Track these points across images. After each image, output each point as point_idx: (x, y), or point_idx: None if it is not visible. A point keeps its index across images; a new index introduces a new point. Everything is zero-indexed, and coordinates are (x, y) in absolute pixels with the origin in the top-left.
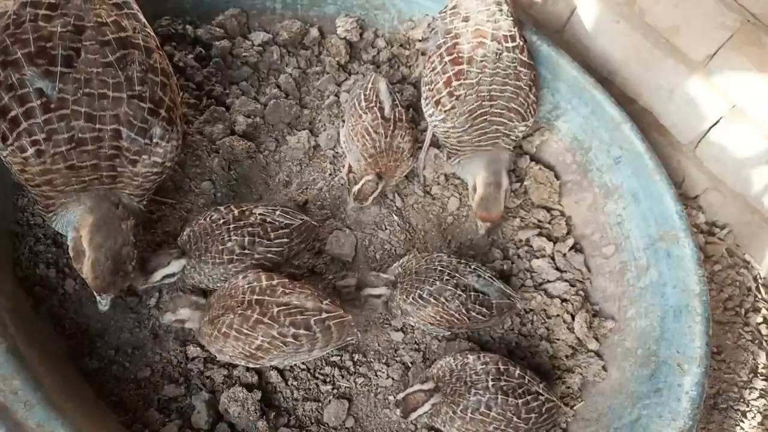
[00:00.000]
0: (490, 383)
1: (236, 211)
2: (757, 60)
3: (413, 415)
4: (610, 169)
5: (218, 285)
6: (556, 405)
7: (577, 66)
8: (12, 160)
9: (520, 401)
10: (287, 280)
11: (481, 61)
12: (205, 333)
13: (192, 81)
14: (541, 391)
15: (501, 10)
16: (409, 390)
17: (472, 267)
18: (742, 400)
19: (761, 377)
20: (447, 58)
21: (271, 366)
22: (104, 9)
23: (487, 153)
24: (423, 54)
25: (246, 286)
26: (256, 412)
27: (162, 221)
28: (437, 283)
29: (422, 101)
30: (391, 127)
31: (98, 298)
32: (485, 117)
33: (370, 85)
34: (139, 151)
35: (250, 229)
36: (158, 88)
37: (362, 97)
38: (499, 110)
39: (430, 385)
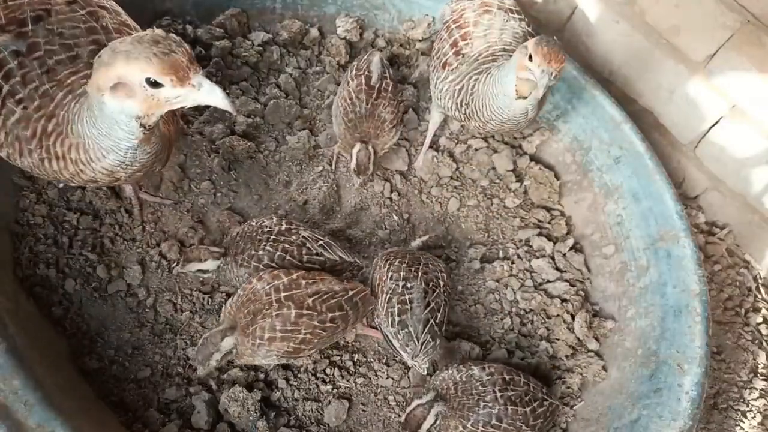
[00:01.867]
0: (498, 394)
1: (284, 226)
2: (757, 60)
3: (422, 429)
4: (610, 169)
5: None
6: (557, 406)
7: (578, 66)
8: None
9: (527, 409)
10: (302, 272)
11: (488, 22)
12: (244, 344)
13: None
14: (545, 396)
15: None
16: (408, 409)
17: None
18: (742, 400)
19: (761, 377)
20: (454, 26)
21: (271, 366)
22: None
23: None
24: (423, 54)
25: (267, 287)
26: (256, 412)
27: (162, 221)
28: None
29: (431, 75)
30: (374, 95)
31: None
32: (496, 54)
33: (365, 57)
34: None
35: (286, 245)
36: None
37: (355, 66)
38: (506, 46)
39: (428, 397)
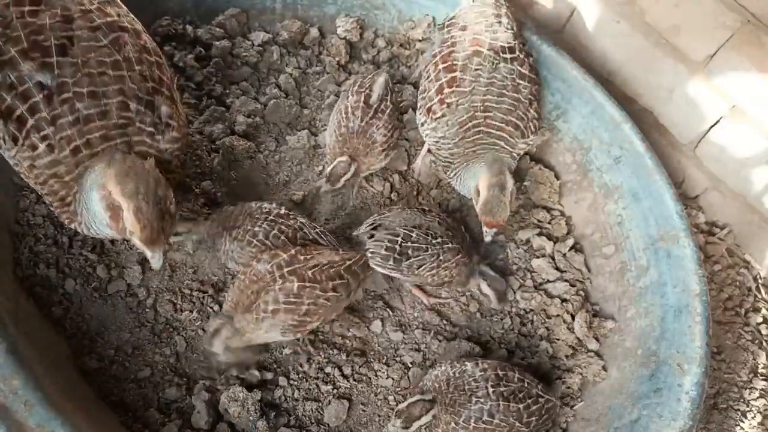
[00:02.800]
0: (491, 390)
1: (283, 211)
2: (757, 60)
3: (414, 426)
4: (610, 169)
5: (229, 266)
6: (555, 404)
7: (577, 66)
8: (21, 156)
9: (521, 405)
10: (299, 247)
11: (476, 69)
12: (247, 323)
13: (192, 81)
14: (540, 392)
15: (500, 23)
16: (411, 399)
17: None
18: (742, 400)
19: (761, 377)
20: (441, 66)
21: (271, 368)
22: None
23: (485, 156)
24: (423, 54)
25: (268, 267)
26: (256, 412)
27: None
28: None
29: (417, 108)
30: (371, 114)
31: (150, 254)
32: (479, 129)
33: (372, 74)
34: (154, 126)
35: (283, 227)
36: (155, 68)
37: (359, 81)
38: (497, 123)
39: (430, 396)
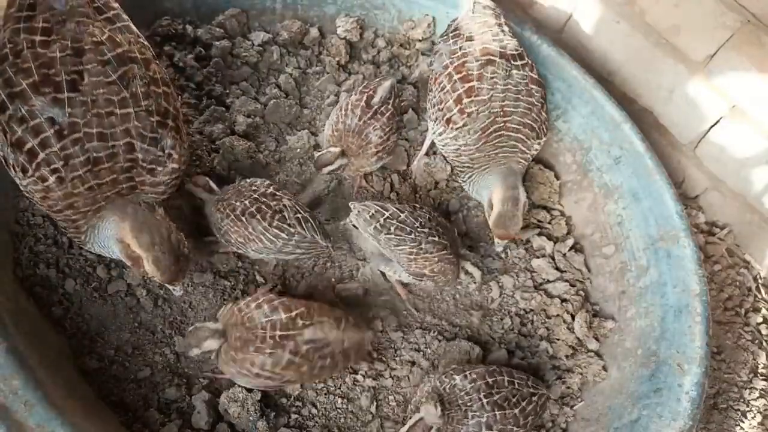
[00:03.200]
0: (484, 401)
1: (270, 190)
2: (757, 60)
3: None
4: (610, 169)
5: (217, 236)
6: (547, 397)
7: (577, 66)
8: (33, 188)
9: (516, 410)
10: (303, 308)
11: (491, 77)
12: (229, 365)
13: (192, 81)
14: (532, 390)
15: (504, 31)
16: (410, 423)
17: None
18: (742, 400)
19: (761, 377)
20: (456, 77)
21: None
22: (97, 27)
23: (500, 167)
24: (423, 54)
25: (265, 321)
26: (256, 412)
27: None
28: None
29: (431, 123)
30: (369, 114)
31: (170, 288)
32: (500, 133)
33: (380, 78)
34: (155, 161)
35: (261, 206)
36: (162, 100)
37: (365, 82)
38: (515, 125)
39: (420, 414)
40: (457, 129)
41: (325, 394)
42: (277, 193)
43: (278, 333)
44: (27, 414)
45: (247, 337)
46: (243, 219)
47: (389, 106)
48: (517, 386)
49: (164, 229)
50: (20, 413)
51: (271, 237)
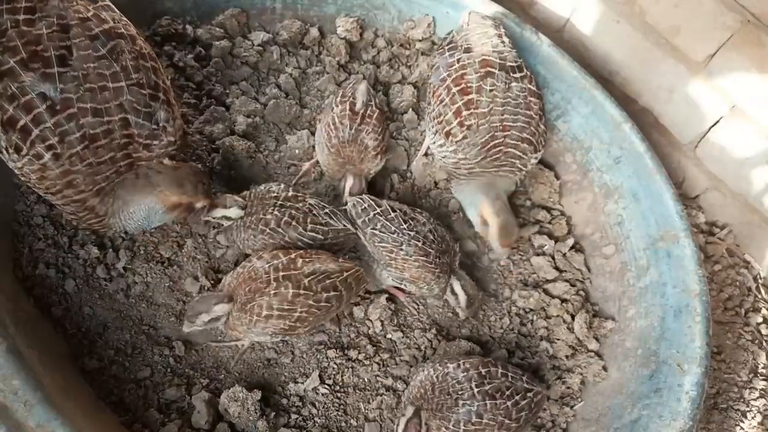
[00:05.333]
0: (476, 390)
1: (291, 193)
2: (757, 60)
3: None
4: (610, 169)
5: (248, 252)
6: (543, 395)
7: (577, 66)
8: (29, 169)
9: (509, 402)
10: (301, 250)
11: (491, 90)
12: (241, 320)
13: (192, 81)
14: (527, 385)
15: (503, 42)
16: (402, 425)
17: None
18: (742, 400)
19: (761, 377)
20: (455, 89)
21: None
22: (81, 4)
23: (481, 179)
24: (423, 54)
25: (267, 266)
26: (256, 412)
27: None
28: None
29: (429, 135)
30: (358, 121)
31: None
32: (499, 148)
33: (351, 84)
34: (150, 135)
35: (293, 212)
36: (151, 73)
37: (341, 92)
38: (513, 141)
39: (410, 412)
40: (456, 142)
41: (325, 394)
42: (298, 193)
43: (281, 274)
44: (27, 414)
45: (255, 287)
46: (280, 230)
47: (374, 108)
48: (510, 379)
49: (192, 173)
50: (20, 413)
51: (308, 241)
